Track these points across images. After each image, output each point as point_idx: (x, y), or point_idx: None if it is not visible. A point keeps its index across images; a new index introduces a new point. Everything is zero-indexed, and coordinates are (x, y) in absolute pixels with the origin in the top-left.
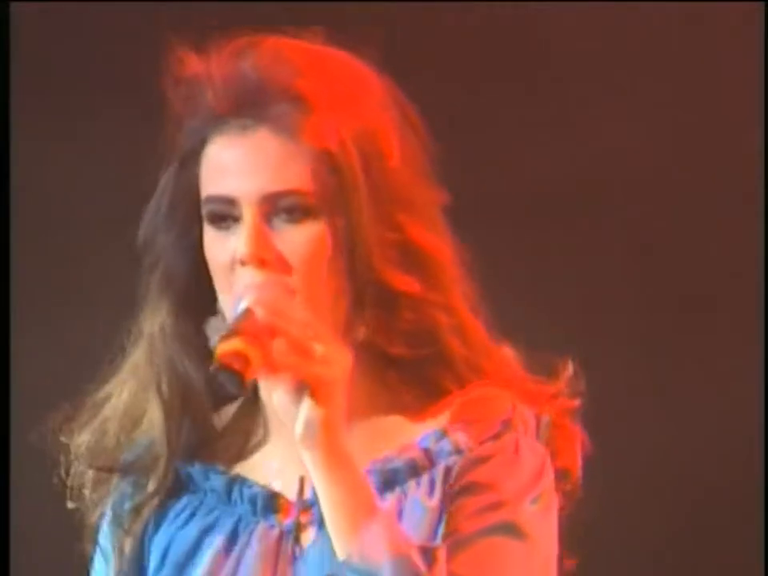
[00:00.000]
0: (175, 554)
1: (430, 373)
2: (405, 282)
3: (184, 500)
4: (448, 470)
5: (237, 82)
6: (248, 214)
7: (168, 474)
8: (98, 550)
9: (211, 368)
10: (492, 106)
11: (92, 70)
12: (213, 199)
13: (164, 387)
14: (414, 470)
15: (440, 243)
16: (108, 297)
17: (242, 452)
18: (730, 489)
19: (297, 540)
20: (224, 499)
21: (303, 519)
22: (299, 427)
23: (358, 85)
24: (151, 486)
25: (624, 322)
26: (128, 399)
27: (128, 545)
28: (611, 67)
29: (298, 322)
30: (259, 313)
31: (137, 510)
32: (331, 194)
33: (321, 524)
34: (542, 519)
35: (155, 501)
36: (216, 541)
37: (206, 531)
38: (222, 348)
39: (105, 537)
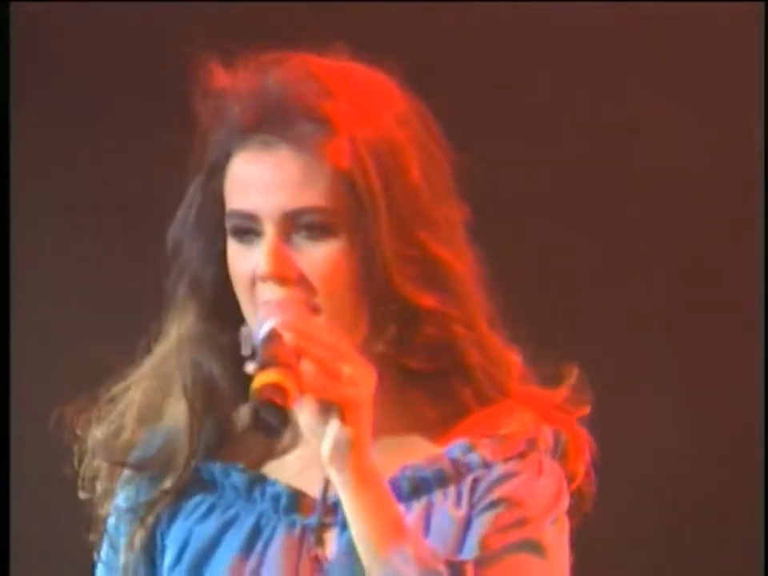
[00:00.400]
0: (194, 549)
1: (450, 387)
2: (425, 298)
3: (200, 495)
4: (475, 483)
5: (261, 98)
6: (269, 230)
7: (187, 471)
8: (106, 540)
9: (251, 405)
10: (493, 106)
11: (92, 70)
12: (235, 214)
13: (189, 387)
14: (443, 480)
15: (459, 258)
16: (108, 297)
17: (267, 453)
18: (730, 489)
19: (319, 541)
20: (244, 496)
21: (327, 519)
22: (327, 448)
23: (381, 101)
24: (168, 483)
25: (624, 324)
26: (149, 396)
27: (139, 537)
28: (611, 67)
29: (324, 344)
30: (286, 336)
31: (151, 504)
32: (351, 212)
33: (344, 526)
34: (559, 539)
35: (170, 496)
36: (236, 538)
37: (226, 527)
38: (261, 381)
39: (115, 528)
